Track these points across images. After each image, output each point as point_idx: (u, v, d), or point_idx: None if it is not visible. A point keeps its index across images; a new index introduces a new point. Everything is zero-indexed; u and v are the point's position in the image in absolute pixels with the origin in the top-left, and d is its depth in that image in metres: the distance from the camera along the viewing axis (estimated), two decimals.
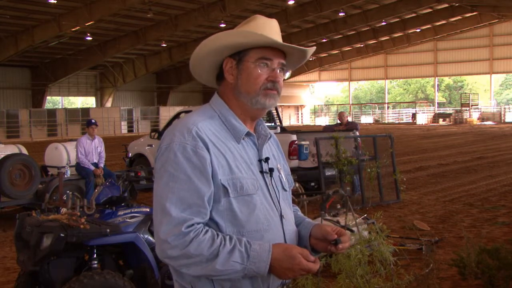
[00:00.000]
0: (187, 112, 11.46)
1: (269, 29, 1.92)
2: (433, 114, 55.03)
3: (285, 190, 2.05)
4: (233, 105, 1.95)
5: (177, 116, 12.14)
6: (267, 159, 1.97)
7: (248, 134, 1.94)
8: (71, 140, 11.35)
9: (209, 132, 1.87)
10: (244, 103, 1.93)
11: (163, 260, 1.83)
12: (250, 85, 1.91)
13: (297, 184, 9.12)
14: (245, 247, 1.77)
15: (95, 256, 4.37)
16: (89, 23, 30.08)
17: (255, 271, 1.77)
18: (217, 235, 1.78)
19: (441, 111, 57.03)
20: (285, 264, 1.78)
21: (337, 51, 54.64)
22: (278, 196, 1.97)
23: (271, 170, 1.96)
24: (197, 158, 1.80)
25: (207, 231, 1.78)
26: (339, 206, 6.38)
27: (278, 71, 1.94)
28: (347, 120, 12.84)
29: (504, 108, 55.24)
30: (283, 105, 55.03)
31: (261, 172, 1.94)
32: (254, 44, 1.90)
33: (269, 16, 1.99)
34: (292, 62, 2.03)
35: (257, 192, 1.88)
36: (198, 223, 1.78)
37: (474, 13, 45.80)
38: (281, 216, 1.95)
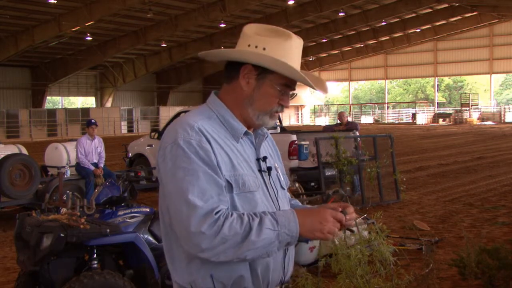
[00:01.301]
0: (186, 112, 11.46)
1: (298, 56, 1.95)
2: (433, 114, 55.01)
3: (283, 189, 2.08)
4: (234, 107, 1.96)
5: (177, 116, 12.14)
6: (265, 158, 1.99)
7: (246, 134, 1.96)
8: (71, 140, 11.36)
9: (210, 130, 1.88)
10: (249, 114, 1.95)
11: (198, 255, 1.79)
12: (264, 105, 1.93)
13: (297, 184, 9.13)
14: (271, 215, 1.80)
15: (95, 256, 4.37)
16: (89, 23, 30.06)
17: (288, 234, 1.80)
18: (242, 213, 1.80)
19: (441, 111, 57.01)
20: (313, 216, 1.83)
21: (337, 51, 54.64)
22: (276, 194, 1.99)
23: (269, 168, 1.99)
24: (203, 152, 1.81)
25: (232, 213, 1.79)
26: None
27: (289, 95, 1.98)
28: (347, 120, 12.85)
29: (504, 108, 55.21)
30: None
31: (260, 170, 1.96)
32: (290, 77, 1.92)
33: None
34: None
35: (258, 189, 1.90)
36: (223, 209, 1.80)
37: (474, 13, 45.79)
38: None
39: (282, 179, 2.08)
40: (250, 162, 1.94)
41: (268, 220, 1.78)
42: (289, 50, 1.91)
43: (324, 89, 2.05)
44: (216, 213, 1.75)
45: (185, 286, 1.89)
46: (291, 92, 1.98)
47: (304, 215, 1.83)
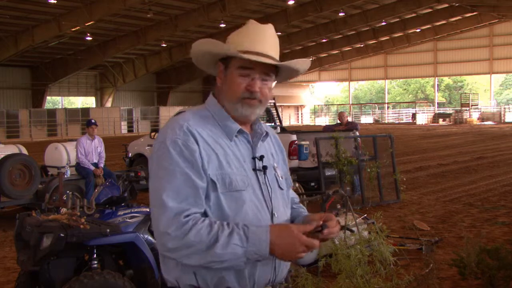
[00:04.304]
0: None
1: (254, 37, 1.93)
2: (433, 114, 55.03)
3: (281, 189, 2.04)
4: (225, 106, 1.98)
5: (176, 116, 12.14)
6: (261, 157, 1.97)
7: (241, 132, 1.96)
8: (71, 140, 11.35)
9: (200, 129, 1.90)
10: (227, 108, 1.96)
11: (163, 254, 1.84)
12: (231, 93, 1.93)
13: (297, 184, 9.12)
14: (243, 230, 1.78)
15: (95, 256, 4.37)
16: (89, 23, 30.06)
17: (257, 253, 1.77)
18: (215, 221, 1.79)
19: (441, 111, 57.02)
20: (286, 240, 1.77)
21: (337, 51, 54.64)
22: (270, 194, 1.96)
23: (264, 168, 1.97)
24: (188, 152, 1.84)
25: (204, 219, 1.79)
26: (339, 206, 6.38)
27: (260, 80, 1.93)
28: (347, 120, 12.84)
29: (504, 108, 55.22)
30: (283, 105, 55.01)
31: (254, 169, 1.95)
32: (226, 55, 1.93)
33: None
34: (283, 75, 2.03)
35: (246, 188, 1.89)
36: (196, 213, 1.80)
37: (474, 13, 45.80)
38: (272, 214, 1.95)
39: (281, 179, 2.05)
40: (243, 161, 1.93)
41: (238, 235, 1.76)
42: (244, 34, 1.94)
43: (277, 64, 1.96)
44: (186, 216, 1.77)
45: (172, 281, 1.92)
46: (265, 77, 1.93)
47: (277, 236, 1.77)
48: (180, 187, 1.80)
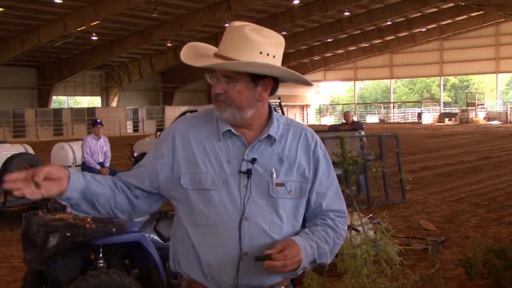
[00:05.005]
0: (192, 111, 11.46)
1: (222, 39, 1.98)
2: (438, 113, 54.84)
3: (273, 197, 1.94)
4: None
5: (182, 115, 12.14)
6: (253, 160, 1.93)
7: (233, 133, 1.95)
8: (77, 139, 11.39)
9: (189, 131, 1.99)
10: None
11: None
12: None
13: None
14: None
15: (101, 255, 4.38)
16: (95, 23, 30.14)
17: None
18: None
19: (447, 111, 56.83)
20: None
21: (342, 51, 54.53)
22: (247, 198, 1.91)
23: (248, 171, 1.92)
24: (158, 150, 2.02)
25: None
26: None
27: (225, 82, 1.91)
28: (353, 119, 12.81)
29: (510, 108, 54.91)
30: (288, 105, 54.96)
31: (240, 171, 1.93)
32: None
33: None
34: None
35: (215, 188, 1.91)
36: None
37: (480, 12, 45.59)
38: (243, 218, 1.90)
39: (275, 187, 1.94)
40: (226, 162, 1.93)
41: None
42: (223, 39, 1.99)
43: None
44: None
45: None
46: (228, 79, 1.91)
47: None
48: (136, 171, 2.06)
